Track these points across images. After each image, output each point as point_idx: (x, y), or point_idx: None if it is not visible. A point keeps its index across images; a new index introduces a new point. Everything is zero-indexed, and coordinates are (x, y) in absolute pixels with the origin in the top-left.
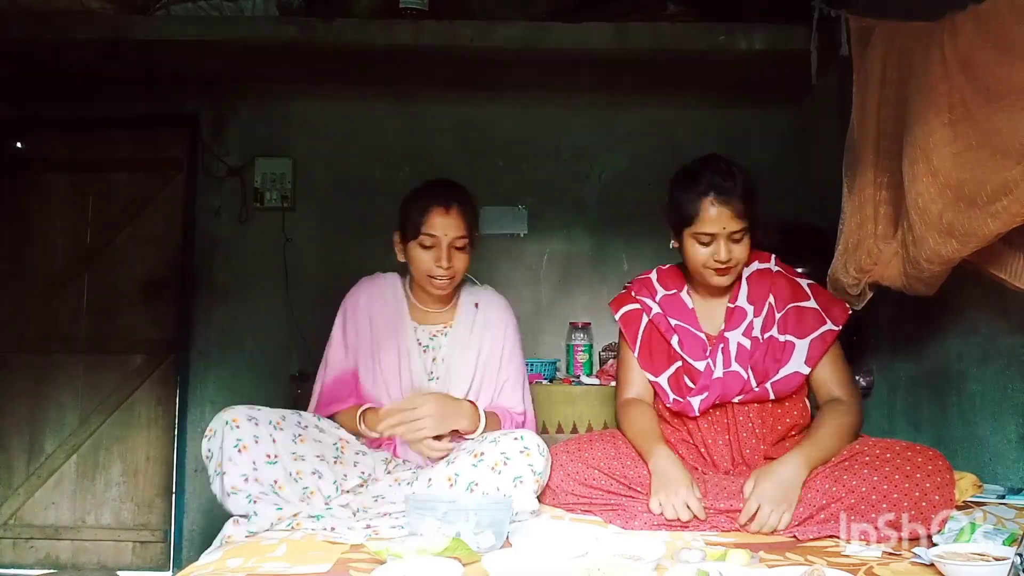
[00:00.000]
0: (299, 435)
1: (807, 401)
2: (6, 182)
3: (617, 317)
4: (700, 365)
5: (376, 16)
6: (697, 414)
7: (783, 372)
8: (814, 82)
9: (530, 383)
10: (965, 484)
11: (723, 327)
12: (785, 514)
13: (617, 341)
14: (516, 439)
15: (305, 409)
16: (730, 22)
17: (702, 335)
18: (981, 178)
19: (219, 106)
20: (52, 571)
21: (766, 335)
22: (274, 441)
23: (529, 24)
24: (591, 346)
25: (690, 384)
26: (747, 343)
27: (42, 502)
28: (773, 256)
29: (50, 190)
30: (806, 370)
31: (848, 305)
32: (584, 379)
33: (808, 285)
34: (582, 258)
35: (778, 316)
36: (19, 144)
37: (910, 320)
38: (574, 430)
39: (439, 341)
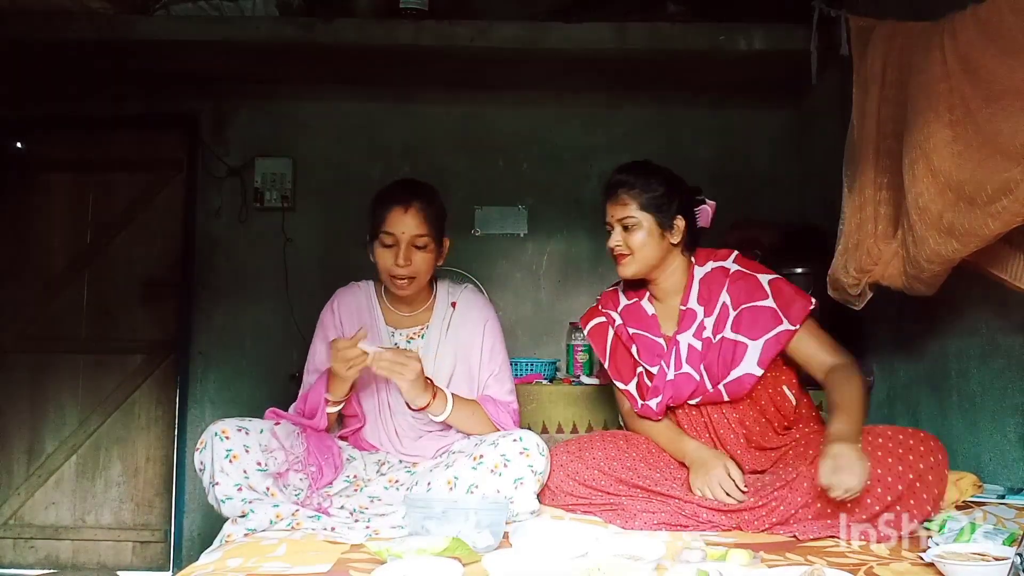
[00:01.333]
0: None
1: (786, 390)
2: (6, 182)
3: (586, 331)
4: (654, 369)
5: (376, 16)
6: (659, 417)
7: (734, 374)
8: (814, 82)
9: (530, 383)
10: (965, 484)
11: (676, 329)
12: (856, 485)
13: None
14: (515, 440)
15: None
16: (730, 22)
17: (660, 340)
18: (981, 178)
19: (219, 106)
20: (52, 571)
21: (719, 336)
22: (264, 450)
23: (529, 24)
24: (591, 346)
25: (648, 386)
26: (698, 344)
27: (42, 502)
28: (734, 253)
29: (50, 190)
30: (759, 372)
31: (812, 299)
32: (584, 379)
33: (769, 282)
34: (582, 258)
35: (732, 316)
36: (19, 144)
37: (910, 320)
38: (574, 430)
39: (416, 344)
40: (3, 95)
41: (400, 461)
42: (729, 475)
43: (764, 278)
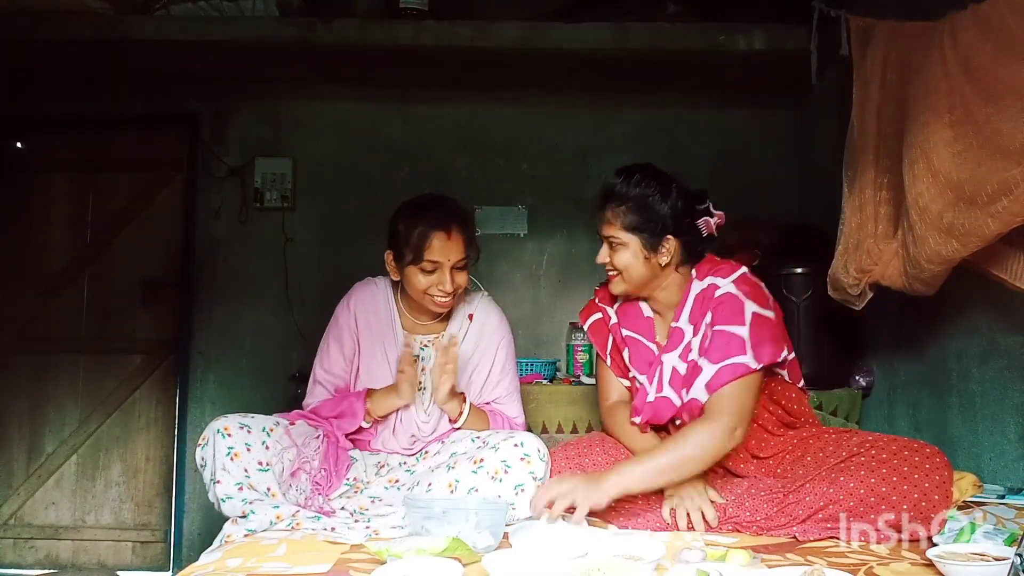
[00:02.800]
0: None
1: (795, 393)
2: (6, 182)
3: (585, 327)
4: (643, 378)
5: (376, 16)
6: (645, 431)
7: (688, 396)
8: (814, 82)
9: (530, 383)
10: (965, 484)
11: (666, 344)
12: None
13: None
14: (516, 445)
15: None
16: (730, 22)
17: (652, 346)
18: (981, 178)
19: (219, 106)
20: (52, 571)
21: (697, 359)
22: (267, 448)
23: (529, 24)
24: (591, 346)
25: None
26: (683, 368)
27: (42, 502)
28: (738, 272)
29: (50, 190)
30: (705, 397)
31: (784, 350)
32: (584, 379)
33: (754, 314)
34: (582, 258)
35: (705, 334)
36: (19, 144)
37: (910, 320)
38: (574, 430)
39: (429, 352)
40: (3, 95)
41: (400, 464)
42: (702, 510)
43: (751, 307)
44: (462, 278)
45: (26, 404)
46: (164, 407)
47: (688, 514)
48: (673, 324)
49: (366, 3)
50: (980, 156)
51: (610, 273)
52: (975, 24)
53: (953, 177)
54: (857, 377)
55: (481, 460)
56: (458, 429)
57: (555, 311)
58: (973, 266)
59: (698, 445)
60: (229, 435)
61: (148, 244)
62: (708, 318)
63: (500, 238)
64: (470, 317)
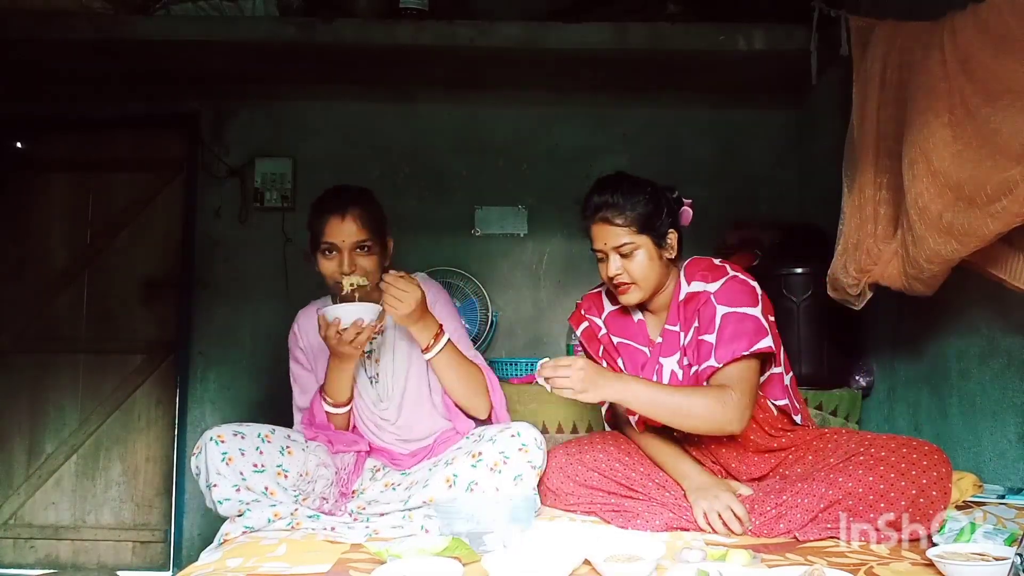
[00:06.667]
0: (287, 447)
1: (769, 403)
2: (6, 182)
3: (578, 334)
4: None
5: (376, 16)
6: (642, 429)
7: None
8: (814, 82)
9: (530, 383)
10: (965, 484)
11: (660, 345)
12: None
13: None
14: (513, 436)
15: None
16: (730, 22)
17: (645, 349)
18: (981, 178)
19: (219, 106)
20: (52, 571)
21: (694, 368)
22: (261, 453)
23: (529, 24)
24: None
25: None
26: (680, 373)
27: (42, 502)
28: (724, 278)
29: (50, 190)
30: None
31: (753, 344)
32: None
33: (722, 316)
34: (582, 258)
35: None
36: (19, 144)
37: (910, 320)
38: (574, 430)
39: (376, 342)
40: (3, 95)
41: (403, 470)
42: (732, 509)
43: (721, 310)
44: (367, 262)
45: (26, 404)
46: (164, 407)
47: (720, 515)
48: (667, 327)
49: (366, 3)
50: (980, 156)
51: (622, 286)
52: (975, 24)
53: (953, 177)
54: (857, 377)
55: (479, 453)
56: (431, 358)
57: (555, 311)
58: (973, 266)
59: (709, 404)
60: (223, 442)
61: (148, 244)
62: (696, 323)
63: (500, 238)
64: None
